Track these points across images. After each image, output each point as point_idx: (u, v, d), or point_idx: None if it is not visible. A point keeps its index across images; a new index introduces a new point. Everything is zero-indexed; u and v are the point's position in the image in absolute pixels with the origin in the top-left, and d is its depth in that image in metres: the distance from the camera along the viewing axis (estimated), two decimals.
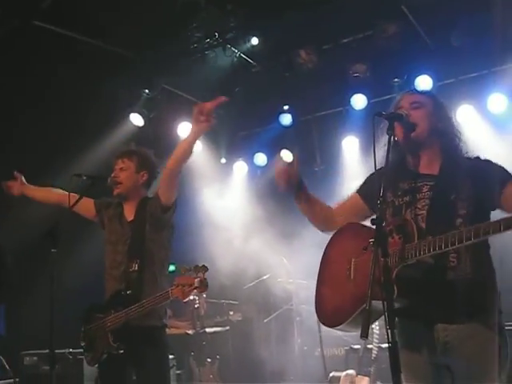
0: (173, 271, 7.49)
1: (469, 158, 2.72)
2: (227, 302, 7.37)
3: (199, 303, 6.65)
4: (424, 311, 2.53)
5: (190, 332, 6.68)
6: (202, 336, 6.57)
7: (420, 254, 2.41)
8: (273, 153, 8.25)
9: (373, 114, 2.57)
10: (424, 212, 2.61)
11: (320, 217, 3.03)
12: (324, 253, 2.93)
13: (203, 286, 3.32)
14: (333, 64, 6.97)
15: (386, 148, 2.57)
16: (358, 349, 5.38)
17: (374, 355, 4.88)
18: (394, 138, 2.70)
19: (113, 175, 3.88)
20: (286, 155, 8.05)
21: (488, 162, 2.70)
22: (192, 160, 7.76)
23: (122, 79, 6.95)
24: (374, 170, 2.62)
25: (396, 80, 7.00)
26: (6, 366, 6.90)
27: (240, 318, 7.21)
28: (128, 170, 3.90)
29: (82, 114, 6.85)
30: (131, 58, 6.66)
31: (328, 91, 7.28)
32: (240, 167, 8.50)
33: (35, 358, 6.45)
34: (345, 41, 6.84)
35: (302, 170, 8.42)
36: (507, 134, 6.76)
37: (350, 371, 5.01)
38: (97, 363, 3.71)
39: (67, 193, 3.88)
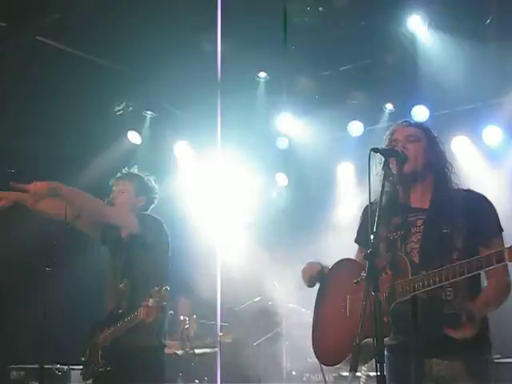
0: None
1: (460, 190, 2.75)
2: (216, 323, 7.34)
3: (189, 323, 6.64)
4: (417, 346, 2.52)
5: (178, 352, 6.65)
6: (190, 357, 6.54)
7: (414, 289, 2.43)
8: (270, 175, 8.32)
9: (369, 148, 2.59)
10: (417, 246, 2.64)
11: None
12: (319, 289, 2.94)
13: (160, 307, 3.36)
14: (331, 91, 7.06)
15: (382, 184, 2.62)
16: (346, 376, 5.37)
17: (362, 382, 4.88)
18: (389, 171, 2.77)
19: (111, 196, 3.89)
20: (282, 178, 8.20)
21: (477, 194, 2.75)
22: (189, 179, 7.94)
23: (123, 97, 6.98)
24: (367, 203, 2.65)
25: (392, 109, 7.09)
26: None
27: (230, 340, 7.17)
28: (126, 193, 3.92)
29: (83, 130, 6.93)
30: (134, 77, 6.69)
31: (326, 117, 7.34)
32: None
33: (22, 373, 6.43)
34: (344, 68, 6.94)
35: (297, 194, 8.49)
36: (501, 166, 6.86)
37: None
38: (89, 378, 3.72)
39: None
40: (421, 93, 6.77)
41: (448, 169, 2.81)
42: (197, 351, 6.64)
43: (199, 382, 6.50)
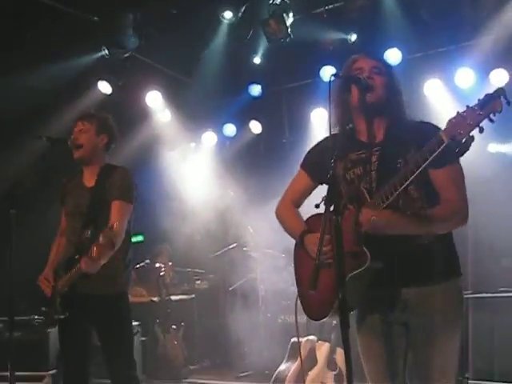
0: (141, 241, 7.58)
1: (413, 122, 2.72)
2: (193, 270, 7.42)
3: (165, 271, 6.68)
4: (387, 277, 2.55)
5: (155, 299, 6.71)
6: (167, 303, 6.60)
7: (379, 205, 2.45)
8: (242, 124, 8.29)
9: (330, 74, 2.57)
10: (375, 183, 2.62)
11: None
12: (294, 252, 2.91)
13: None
14: (303, 35, 6.95)
15: (341, 110, 2.59)
16: None
17: (334, 322, 4.94)
18: (347, 100, 2.74)
19: (72, 137, 3.83)
20: (255, 126, 8.17)
21: (429, 124, 2.71)
22: (160, 130, 7.92)
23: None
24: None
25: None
26: None
27: (206, 287, 7.26)
28: (88, 133, 3.84)
29: (51, 77, 6.76)
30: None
31: (298, 63, 7.27)
32: (209, 138, 8.49)
33: (1, 325, 6.42)
34: (315, 11, 6.84)
35: (271, 141, 8.49)
36: None
37: (311, 337, 5.08)
38: (53, 326, 3.72)
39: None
40: (393, 36, 6.70)
41: (403, 106, 2.77)
42: (173, 298, 6.70)
43: (176, 327, 6.57)
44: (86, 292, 3.52)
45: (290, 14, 6.62)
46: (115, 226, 3.27)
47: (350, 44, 6.96)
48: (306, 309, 2.76)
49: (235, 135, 8.43)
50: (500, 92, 2.16)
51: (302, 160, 3.00)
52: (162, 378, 6.31)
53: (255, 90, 7.85)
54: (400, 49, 6.80)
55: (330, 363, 4.90)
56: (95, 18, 6.67)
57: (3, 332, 6.46)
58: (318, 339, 5.04)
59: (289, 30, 6.55)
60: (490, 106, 2.15)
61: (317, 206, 2.44)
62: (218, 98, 8.12)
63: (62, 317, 3.57)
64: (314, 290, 2.23)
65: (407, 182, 2.38)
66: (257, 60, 7.43)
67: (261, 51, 7.37)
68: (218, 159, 8.31)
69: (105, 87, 7.44)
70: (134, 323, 6.27)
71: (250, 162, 8.15)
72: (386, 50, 6.75)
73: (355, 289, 2.45)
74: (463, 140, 2.18)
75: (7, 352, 5.97)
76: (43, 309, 3.71)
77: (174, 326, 6.54)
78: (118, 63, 7.32)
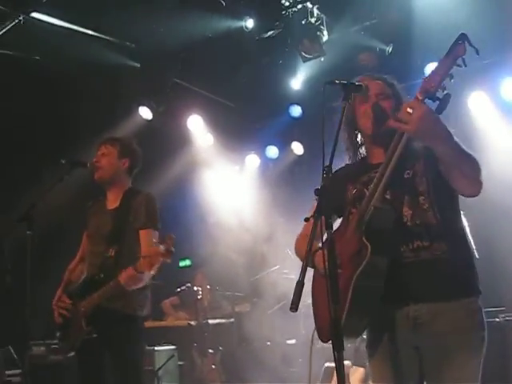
0: (189, 266, 7.60)
1: None
2: (234, 293, 7.34)
3: (202, 294, 6.63)
4: (395, 291, 2.39)
5: (192, 323, 6.66)
6: (204, 327, 6.54)
7: (372, 195, 2.36)
8: (284, 145, 8.24)
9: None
10: None
11: None
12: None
13: (169, 253, 3.28)
14: (339, 54, 6.87)
15: (340, 119, 2.48)
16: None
17: None
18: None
19: (94, 160, 3.87)
20: (297, 147, 8.09)
21: None
22: (203, 154, 7.96)
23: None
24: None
25: None
26: (15, 356, 7.01)
27: (247, 309, 7.17)
28: (109, 156, 3.89)
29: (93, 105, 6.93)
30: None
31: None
32: (252, 160, 8.48)
33: (43, 349, 6.53)
34: (353, 29, 6.75)
35: (312, 163, 8.40)
36: None
37: (345, 362, 4.87)
38: (71, 352, 3.70)
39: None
40: (432, 48, 6.52)
41: None
42: (210, 321, 6.64)
43: (213, 351, 6.49)
44: (110, 308, 3.53)
45: (325, 33, 6.56)
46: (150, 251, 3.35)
47: (387, 57, 6.81)
48: (318, 330, 2.62)
49: (278, 157, 8.38)
50: (462, 37, 2.20)
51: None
52: None
53: (296, 111, 7.81)
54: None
55: None
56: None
57: (47, 356, 6.58)
58: (353, 364, 4.85)
59: (323, 48, 6.49)
60: (454, 52, 2.20)
61: (306, 220, 2.33)
62: (260, 121, 8.12)
63: (91, 336, 3.54)
64: (294, 310, 2.11)
65: (391, 165, 2.32)
66: (295, 84, 7.41)
67: (300, 72, 7.35)
68: (262, 181, 8.27)
69: (145, 113, 7.55)
70: (171, 347, 6.27)
71: (293, 183, 8.06)
72: (425, 64, 6.58)
73: (366, 301, 2.32)
74: (439, 95, 2.19)
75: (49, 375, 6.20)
76: (58, 334, 3.72)
77: (210, 350, 6.46)
78: (159, 89, 7.43)
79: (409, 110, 2.21)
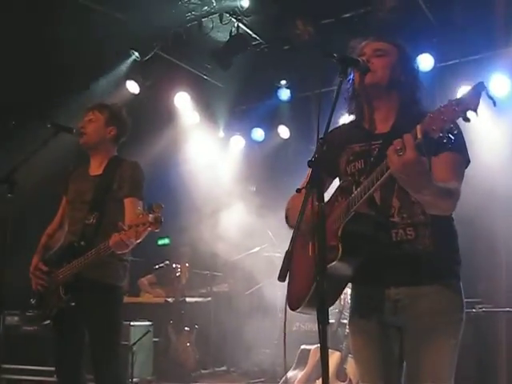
0: (168, 244, 7.55)
1: (423, 111, 2.40)
2: (212, 273, 7.33)
3: (181, 272, 6.60)
4: (377, 275, 2.41)
5: (169, 300, 6.63)
6: (181, 305, 6.52)
7: (355, 203, 2.29)
8: (270, 128, 8.20)
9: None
10: None
11: None
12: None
13: (157, 222, 3.15)
14: (332, 40, 6.82)
15: (335, 94, 2.44)
16: (332, 323, 5.27)
17: (346, 331, 4.75)
18: (354, 86, 2.60)
19: (80, 125, 3.79)
20: (284, 131, 8.06)
21: None
22: (188, 132, 7.90)
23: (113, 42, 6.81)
24: None
25: None
26: None
27: (225, 290, 7.17)
28: (96, 122, 3.79)
29: (76, 75, 6.80)
30: (124, 21, 6.53)
31: (328, 68, 7.13)
32: (237, 141, 8.43)
33: (16, 319, 6.45)
34: (345, 16, 6.70)
35: (298, 147, 8.38)
36: (509, 116, 6.61)
37: None
38: (47, 320, 3.61)
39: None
40: (425, 41, 6.52)
41: (419, 89, 2.59)
42: (188, 299, 6.61)
43: (189, 329, 6.47)
44: (89, 277, 3.44)
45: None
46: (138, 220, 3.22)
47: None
48: (288, 297, 2.59)
49: (263, 140, 8.35)
50: (479, 88, 1.89)
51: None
52: (172, 380, 6.20)
53: (284, 94, 7.76)
54: (432, 55, 6.61)
55: (340, 373, 4.71)
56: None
57: (20, 326, 6.50)
58: (329, 348, 4.84)
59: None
60: (467, 102, 1.89)
61: (298, 191, 2.30)
62: (248, 102, 8.07)
63: (68, 305, 3.47)
64: (282, 279, 2.08)
65: (375, 186, 2.20)
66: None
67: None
68: (246, 163, 8.22)
69: (132, 87, 7.45)
70: (146, 323, 6.24)
71: (278, 166, 8.04)
72: (417, 55, 6.57)
73: (331, 285, 2.28)
74: (439, 137, 1.95)
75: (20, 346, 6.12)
76: (34, 301, 3.64)
77: (186, 328, 6.45)
78: (146, 63, 7.33)
79: (398, 149, 2.04)
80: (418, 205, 2.35)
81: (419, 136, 2.00)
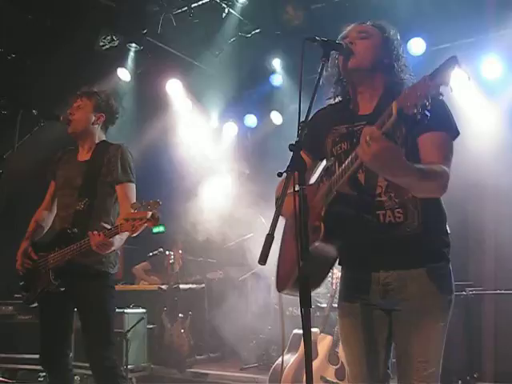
0: (162, 232, 7.55)
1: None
2: (205, 260, 7.35)
3: (174, 258, 6.61)
4: (365, 258, 2.44)
5: (163, 287, 6.65)
6: (175, 292, 6.54)
7: (336, 183, 2.30)
8: (263, 114, 8.18)
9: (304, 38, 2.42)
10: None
11: None
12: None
13: (154, 219, 3.18)
14: (322, 24, 6.78)
15: (317, 78, 2.44)
16: (323, 307, 5.30)
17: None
18: (338, 70, 2.60)
19: (68, 112, 3.78)
20: (276, 117, 8.05)
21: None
22: (181, 119, 7.87)
23: (104, 30, 6.78)
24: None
25: None
26: None
27: (220, 276, 7.18)
28: (84, 109, 3.79)
29: (68, 64, 6.77)
30: (115, 8, 6.49)
31: (319, 53, 7.09)
32: (230, 128, 8.41)
33: (11, 308, 6.47)
34: (336, 0, 6.66)
35: (291, 133, 8.33)
36: (500, 99, 6.59)
37: (313, 329, 4.91)
38: (34, 302, 3.62)
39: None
40: (417, 25, 6.48)
41: (403, 72, 2.58)
42: (181, 286, 6.63)
43: (183, 316, 6.49)
44: (82, 264, 3.44)
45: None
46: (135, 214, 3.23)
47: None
48: (276, 279, 2.63)
49: (256, 126, 8.33)
50: (453, 62, 1.92)
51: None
52: (166, 365, 6.24)
53: (277, 79, 7.74)
54: (424, 39, 6.57)
55: (332, 357, 4.73)
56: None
57: (15, 315, 6.52)
58: (321, 332, 4.88)
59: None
60: (440, 78, 1.90)
61: (279, 175, 2.30)
62: (240, 89, 8.03)
63: (57, 290, 3.48)
64: (263, 262, 2.09)
65: (351, 169, 2.21)
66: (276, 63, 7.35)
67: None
68: (239, 149, 8.21)
69: (124, 74, 7.43)
70: (140, 310, 6.27)
71: (270, 152, 8.02)
72: (408, 39, 6.54)
73: (316, 266, 2.29)
74: (414, 113, 1.93)
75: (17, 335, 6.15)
76: (22, 284, 3.64)
77: (181, 315, 6.47)
78: (137, 50, 7.29)
79: (368, 139, 2.03)
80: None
81: (394, 112, 1.99)
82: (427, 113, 1.93)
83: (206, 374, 6.03)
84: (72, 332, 3.65)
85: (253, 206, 6.91)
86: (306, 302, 2.13)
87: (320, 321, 5.05)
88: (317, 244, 2.29)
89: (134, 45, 7.02)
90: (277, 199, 2.74)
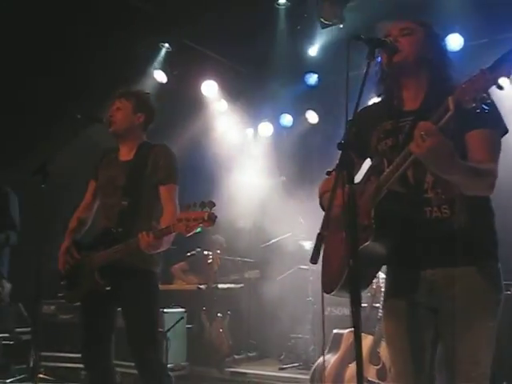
0: (199, 232, 7.58)
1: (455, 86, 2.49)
2: (243, 259, 7.36)
3: (213, 258, 6.65)
4: (412, 256, 2.40)
5: (202, 287, 6.69)
6: (214, 291, 6.57)
7: (387, 181, 2.28)
8: (299, 113, 8.16)
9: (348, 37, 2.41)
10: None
11: None
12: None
13: (211, 219, 3.10)
14: (355, 22, 6.74)
15: (363, 76, 2.43)
16: (364, 307, 5.26)
17: (380, 314, 4.74)
18: (382, 68, 2.58)
19: (109, 114, 3.82)
20: (312, 116, 8.02)
21: None
22: (216, 120, 7.92)
23: (140, 33, 6.85)
24: None
25: None
26: (25, 313, 7.08)
27: (256, 276, 7.19)
28: (124, 110, 3.81)
29: (103, 66, 6.86)
30: (152, 10, 6.56)
31: (355, 51, 7.05)
32: (265, 128, 8.42)
33: (53, 307, 6.58)
34: None
35: (328, 131, 8.31)
36: None
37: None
38: (77, 301, 3.65)
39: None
40: (454, 20, 6.40)
41: (448, 68, 2.56)
42: (220, 286, 6.66)
43: (222, 315, 6.52)
44: (129, 263, 3.44)
45: None
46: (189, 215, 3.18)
47: None
48: (322, 280, 2.60)
49: (292, 125, 8.32)
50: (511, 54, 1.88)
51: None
52: (205, 365, 6.26)
53: (312, 79, 7.72)
54: (462, 34, 6.49)
55: (373, 357, 4.68)
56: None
57: (57, 315, 6.63)
58: (362, 332, 4.83)
59: (343, 14, 6.38)
60: (500, 69, 1.87)
61: (328, 173, 2.30)
62: (275, 88, 8.03)
63: (106, 289, 3.48)
64: (314, 261, 2.08)
65: (404, 166, 2.20)
66: (312, 51, 7.30)
67: (318, 39, 7.25)
68: (275, 150, 8.21)
69: (160, 76, 7.50)
70: (180, 310, 6.32)
71: (306, 152, 8.01)
72: (446, 35, 6.45)
73: (365, 266, 2.28)
74: (472, 107, 1.92)
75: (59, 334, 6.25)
76: (64, 283, 3.66)
77: (219, 314, 6.49)
78: (173, 52, 7.36)
79: (423, 134, 2.03)
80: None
81: (451, 107, 1.98)
82: (485, 106, 1.90)
83: (246, 374, 6.03)
84: (114, 331, 3.68)
85: (290, 206, 6.91)
86: (356, 302, 2.12)
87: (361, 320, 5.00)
88: (367, 244, 2.28)
89: (169, 46, 7.07)
90: (320, 197, 2.74)
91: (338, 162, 2.20)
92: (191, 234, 3.16)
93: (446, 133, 2.21)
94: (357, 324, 2.12)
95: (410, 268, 2.45)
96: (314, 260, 2.10)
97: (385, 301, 2.64)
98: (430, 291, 2.40)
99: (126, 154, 3.81)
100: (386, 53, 2.51)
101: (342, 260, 2.31)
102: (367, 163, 2.66)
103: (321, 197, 2.72)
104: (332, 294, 2.50)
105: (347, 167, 2.17)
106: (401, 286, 2.51)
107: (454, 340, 2.36)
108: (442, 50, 2.59)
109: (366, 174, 2.52)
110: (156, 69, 7.51)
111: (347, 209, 2.13)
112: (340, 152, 2.58)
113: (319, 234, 2.10)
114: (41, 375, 6.34)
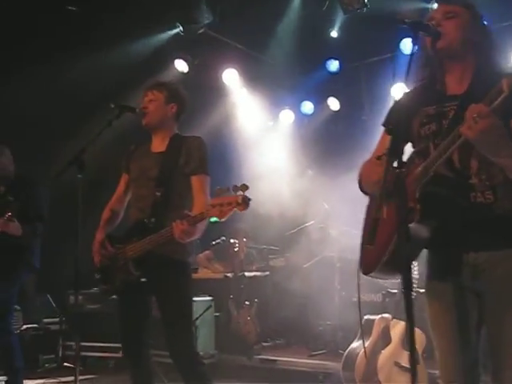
0: (219, 221, 7.61)
1: (503, 73, 2.29)
2: (268, 247, 7.38)
3: (239, 247, 6.66)
4: (455, 239, 2.38)
5: (229, 275, 6.72)
6: (241, 279, 6.60)
7: (434, 164, 2.26)
8: (320, 100, 8.14)
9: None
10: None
11: None
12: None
13: (245, 203, 3.06)
14: (381, 8, 6.68)
15: (408, 61, 2.40)
16: (395, 293, 5.26)
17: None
18: (425, 52, 2.56)
19: (142, 106, 3.82)
20: (333, 103, 8.00)
21: None
22: (237, 108, 7.91)
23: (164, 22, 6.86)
24: None
25: None
26: (53, 304, 7.16)
27: (282, 264, 7.21)
28: (157, 101, 3.81)
29: (129, 55, 6.88)
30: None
31: (377, 36, 7.01)
32: (286, 115, 8.40)
33: (80, 297, 6.61)
34: None
35: (350, 118, 8.28)
36: None
37: (386, 315, 4.87)
38: (113, 294, 3.68)
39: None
40: (479, 2, 6.31)
41: (495, 52, 2.51)
42: (246, 274, 6.68)
43: (249, 303, 6.54)
44: (161, 254, 3.44)
45: None
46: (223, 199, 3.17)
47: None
48: (361, 262, 2.60)
49: (313, 113, 8.30)
50: None
51: (383, 119, 2.74)
52: (234, 353, 6.29)
53: (333, 65, 7.69)
54: (486, 16, 6.41)
55: (405, 342, 4.69)
56: None
57: (84, 305, 6.69)
58: (393, 317, 4.84)
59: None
60: None
61: (378, 158, 2.29)
62: (296, 75, 8.00)
63: (141, 280, 3.48)
64: (372, 244, 2.07)
65: (452, 148, 2.18)
66: (334, 34, 7.25)
67: (338, 24, 7.21)
68: (296, 137, 8.20)
69: (181, 65, 7.50)
70: (207, 298, 6.35)
71: (329, 139, 7.99)
72: None
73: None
74: None
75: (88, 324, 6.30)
76: (99, 276, 3.68)
77: (247, 302, 6.51)
78: (194, 41, 7.35)
79: (475, 116, 2.04)
80: (497, 166, 2.29)
81: (505, 89, 1.96)
82: None
83: (275, 361, 6.04)
84: (148, 321, 3.70)
85: (315, 193, 6.91)
86: (408, 285, 2.11)
87: (392, 306, 5.01)
88: (412, 225, 2.26)
89: (190, 35, 7.06)
90: (360, 178, 2.72)
91: (383, 146, 2.19)
92: (225, 218, 3.14)
93: (497, 115, 2.20)
94: (409, 308, 2.10)
95: (454, 251, 2.43)
96: (371, 242, 2.08)
97: (428, 284, 2.62)
98: (474, 274, 2.39)
99: (158, 145, 3.82)
100: (430, 37, 2.48)
101: (384, 241, 2.32)
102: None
103: (360, 181, 2.71)
104: (371, 275, 2.49)
105: (397, 153, 2.16)
106: (444, 269, 2.49)
107: (498, 324, 2.36)
108: (487, 32, 2.54)
109: (409, 157, 2.50)
110: (177, 58, 7.49)
111: (397, 194, 2.12)
112: (382, 136, 2.60)
113: (375, 219, 2.09)
114: (68, 364, 6.43)
